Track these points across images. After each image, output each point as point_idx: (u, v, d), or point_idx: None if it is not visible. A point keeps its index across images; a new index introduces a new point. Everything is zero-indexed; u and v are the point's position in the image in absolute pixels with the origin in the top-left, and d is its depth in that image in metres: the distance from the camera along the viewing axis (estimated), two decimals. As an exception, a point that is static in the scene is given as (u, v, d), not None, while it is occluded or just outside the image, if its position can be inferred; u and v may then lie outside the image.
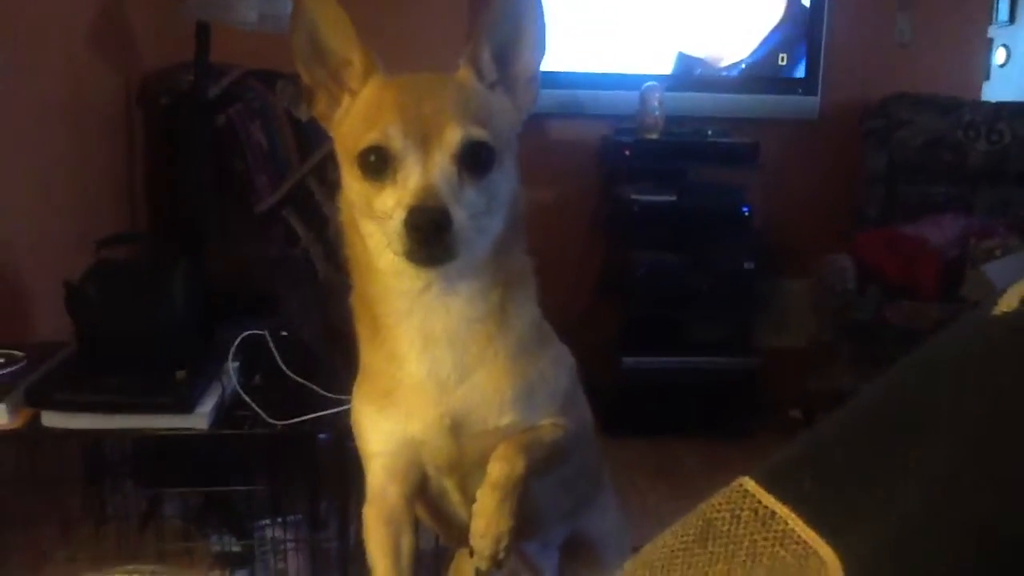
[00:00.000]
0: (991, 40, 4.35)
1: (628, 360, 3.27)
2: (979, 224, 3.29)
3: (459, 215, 0.86)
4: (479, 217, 0.90)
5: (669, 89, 3.32)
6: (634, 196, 3.25)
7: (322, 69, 0.95)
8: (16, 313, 2.09)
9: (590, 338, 3.32)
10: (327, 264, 2.78)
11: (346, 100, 0.96)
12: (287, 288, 2.52)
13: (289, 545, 1.87)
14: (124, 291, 1.62)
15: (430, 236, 0.85)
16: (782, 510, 0.54)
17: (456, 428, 0.97)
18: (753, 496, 0.56)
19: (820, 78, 3.50)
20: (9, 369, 1.60)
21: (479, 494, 0.95)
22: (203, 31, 2.43)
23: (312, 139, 2.94)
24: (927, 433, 0.49)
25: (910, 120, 3.50)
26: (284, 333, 1.76)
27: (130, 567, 0.67)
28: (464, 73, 0.96)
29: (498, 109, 0.95)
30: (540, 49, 0.96)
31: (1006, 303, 0.48)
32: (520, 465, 0.94)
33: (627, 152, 3.29)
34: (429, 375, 0.96)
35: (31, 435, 1.53)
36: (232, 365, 1.66)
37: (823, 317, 3.32)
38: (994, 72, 4.57)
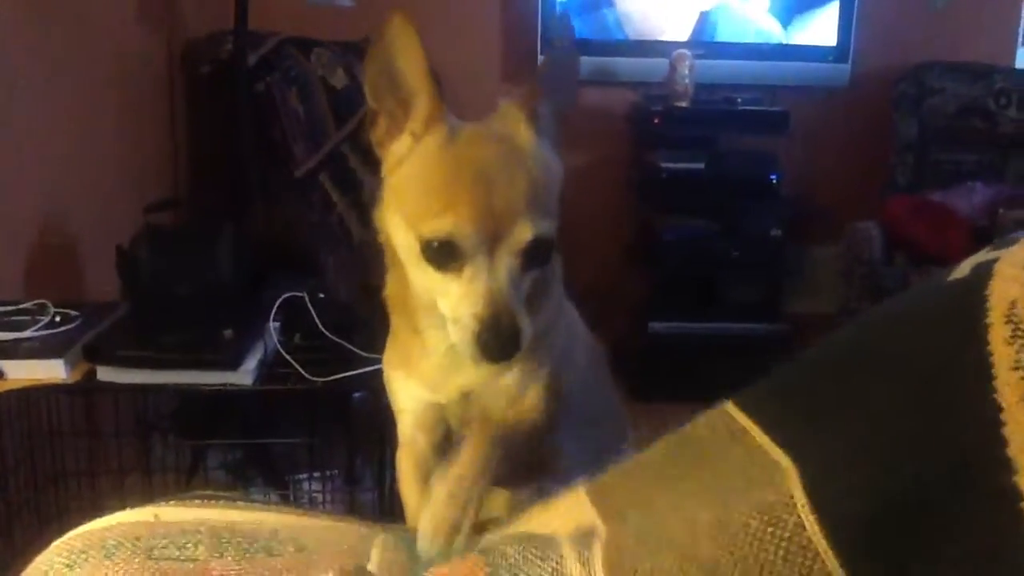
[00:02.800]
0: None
1: (656, 325, 3.32)
2: (1008, 193, 3.29)
3: (526, 324, 0.86)
4: (537, 299, 0.92)
5: (699, 56, 3.33)
6: (663, 163, 3.28)
7: (391, 97, 0.91)
8: (69, 274, 2.18)
9: (619, 303, 3.39)
10: (361, 228, 2.85)
11: (406, 139, 0.92)
12: (324, 251, 2.60)
13: (326, 498, 1.96)
14: (173, 254, 1.70)
15: (501, 352, 0.87)
16: (751, 427, 0.63)
17: (471, 397, 1.04)
18: (730, 416, 0.66)
19: (852, 46, 3.49)
20: (65, 327, 1.68)
21: (434, 480, 0.93)
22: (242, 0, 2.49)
23: (347, 106, 3.00)
24: (876, 371, 0.57)
25: (942, 87, 3.49)
26: (322, 295, 1.84)
27: (207, 492, 0.74)
28: (527, 136, 0.92)
29: (556, 170, 0.94)
30: (573, 102, 0.97)
31: (960, 271, 0.54)
32: (483, 468, 0.94)
33: (657, 120, 3.31)
34: (447, 353, 0.99)
35: (87, 389, 1.63)
36: (273, 325, 1.74)
37: (851, 284, 3.35)
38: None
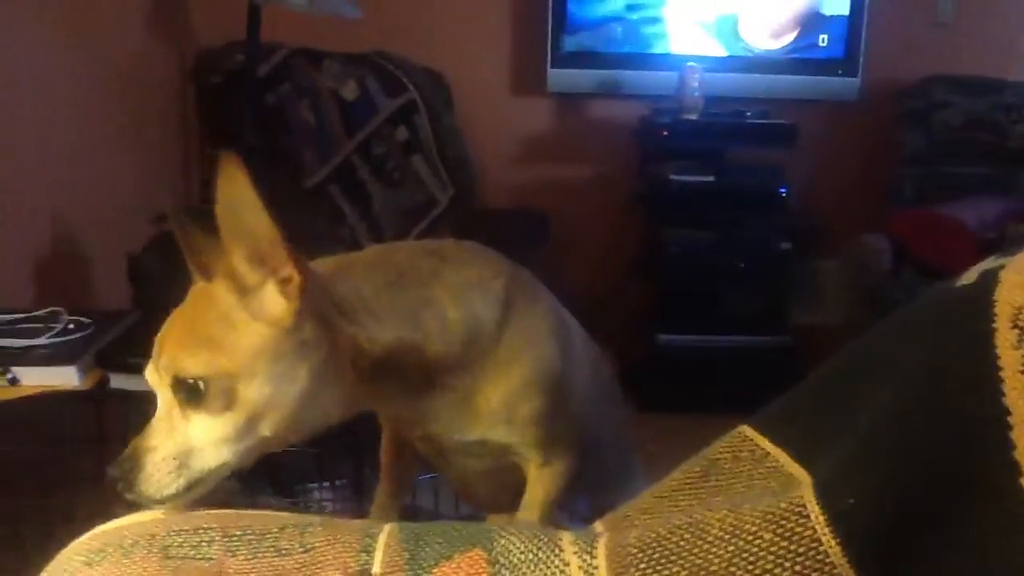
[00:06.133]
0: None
1: (663, 337, 3.32)
2: (1017, 207, 3.29)
3: (155, 457, 0.82)
4: (218, 445, 0.83)
5: (709, 70, 3.34)
6: (672, 176, 3.29)
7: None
8: (81, 282, 2.20)
9: (626, 314, 3.40)
10: (371, 240, 2.86)
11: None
12: (334, 262, 2.60)
13: (335, 507, 1.96)
14: (184, 262, 1.71)
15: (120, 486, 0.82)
16: (774, 450, 0.64)
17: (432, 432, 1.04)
18: (751, 440, 0.67)
19: (860, 59, 3.50)
20: (78, 334, 1.69)
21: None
22: (254, 12, 2.52)
23: (357, 118, 3.02)
24: (883, 377, 0.58)
25: (950, 101, 3.50)
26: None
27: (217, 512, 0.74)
28: (217, 285, 0.85)
29: (242, 321, 0.83)
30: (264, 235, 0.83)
31: (967, 277, 0.55)
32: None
33: (665, 133, 3.32)
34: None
35: (99, 395, 1.64)
36: (283, 334, 1.75)
37: (858, 297, 3.35)
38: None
